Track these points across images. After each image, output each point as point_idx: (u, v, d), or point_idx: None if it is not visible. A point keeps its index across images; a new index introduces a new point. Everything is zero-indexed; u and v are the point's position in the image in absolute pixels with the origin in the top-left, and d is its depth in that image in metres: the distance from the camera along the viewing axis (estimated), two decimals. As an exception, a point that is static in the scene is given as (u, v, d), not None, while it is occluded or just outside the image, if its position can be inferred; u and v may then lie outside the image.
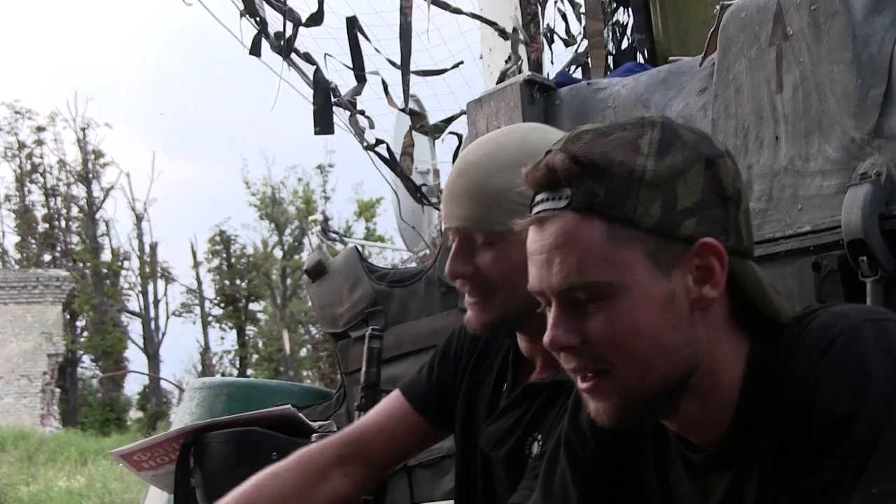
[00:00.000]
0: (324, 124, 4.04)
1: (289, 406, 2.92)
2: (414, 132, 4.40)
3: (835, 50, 2.40)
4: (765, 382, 1.54)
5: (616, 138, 1.54)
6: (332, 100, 4.10)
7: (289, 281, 43.63)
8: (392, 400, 2.42)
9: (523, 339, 2.24)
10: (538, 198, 1.56)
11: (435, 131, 4.35)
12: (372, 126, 4.23)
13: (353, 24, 4.27)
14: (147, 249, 42.77)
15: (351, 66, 4.17)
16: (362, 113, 4.28)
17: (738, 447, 1.57)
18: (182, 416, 3.33)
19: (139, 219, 42.66)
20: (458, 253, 2.14)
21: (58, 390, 35.74)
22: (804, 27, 2.44)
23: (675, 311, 1.53)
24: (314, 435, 2.55)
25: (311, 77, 4.03)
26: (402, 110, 4.19)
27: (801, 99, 2.46)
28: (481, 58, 4.93)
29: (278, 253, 44.28)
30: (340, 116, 4.18)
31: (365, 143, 4.18)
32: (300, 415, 2.89)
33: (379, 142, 4.31)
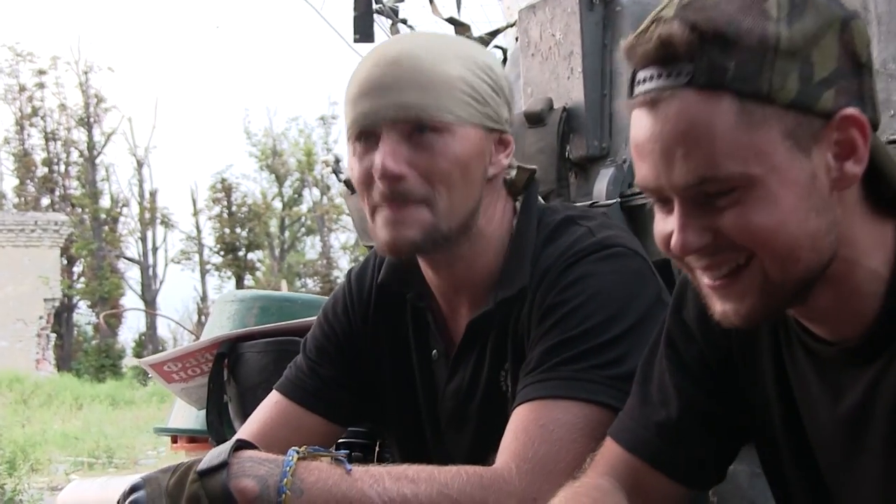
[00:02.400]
0: (364, 31, 3.86)
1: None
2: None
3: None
4: None
5: (739, 2, 1.34)
6: (374, 6, 3.93)
7: (287, 233, 43.67)
8: (277, 404, 2.20)
9: (441, 276, 2.05)
10: (644, 74, 1.36)
11: (479, 44, 4.17)
12: (415, 34, 4.06)
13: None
14: (147, 196, 42.75)
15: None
16: (404, 22, 4.11)
17: (886, 340, 1.41)
18: (212, 330, 3.16)
19: (140, 164, 42.65)
20: (399, 147, 1.89)
21: (53, 335, 35.76)
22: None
23: (818, 193, 1.35)
24: None
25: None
26: (447, 20, 4.01)
27: (894, -2, 2.30)
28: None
29: (277, 204, 44.27)
30: (381, 25, 4.01)
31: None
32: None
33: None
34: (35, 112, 42.68)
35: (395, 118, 1.89)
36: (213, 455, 1.76)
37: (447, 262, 2.01)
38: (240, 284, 42.03)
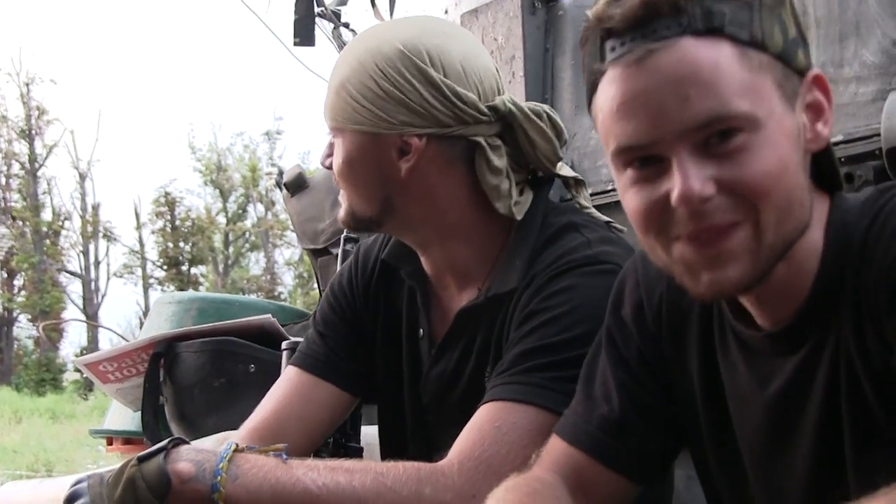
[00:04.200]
0: (304, 35, 3.84)
1: (268, 315, 2.74)
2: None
3: (878, -52, 2.25)
4: (848, 250, 1.38)
5: None
6: (315, 10, 3.92)
7: (231, 248, 43.44)
8: (291, 377, 2.22)
9: (431, 262, 2.11)
10: (624, 38, 1.35)
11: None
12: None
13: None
14: (90, 209, 42.35)
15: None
16: (346, 26, 4.10)
17: (813, 322, 1.42)
18: (149, 330, 3.13)
19: (82, 178, 42.23)
20: (330, 144, 2.11)
21: (-8, 349, 35.36)
22: (846, -78, 2.30)
23: (801, 149, 1.37)
24: (285, 343, 2.37)
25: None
26: (390, 24, 4.02)
27: (836, 1, 2.32)
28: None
29: (222, 219, 44.03)
30: (323, 29, 4.00)
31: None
32: (279, 325, 2.70)
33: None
34: (-25, 124, 42.18)
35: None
36: (153, 448, 1.80)
37: (428, 251, 2.11)
38: (183, 299, 41.69)
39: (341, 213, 2.07)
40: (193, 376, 2.71)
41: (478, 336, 2.04)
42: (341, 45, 3.97)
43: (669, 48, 1.32)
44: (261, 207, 44.17)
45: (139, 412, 2.92)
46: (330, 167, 2.06)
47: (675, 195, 1.33)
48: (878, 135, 2.16)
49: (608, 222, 2.08)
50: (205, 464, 1.75)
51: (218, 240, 43.65)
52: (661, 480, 1.74)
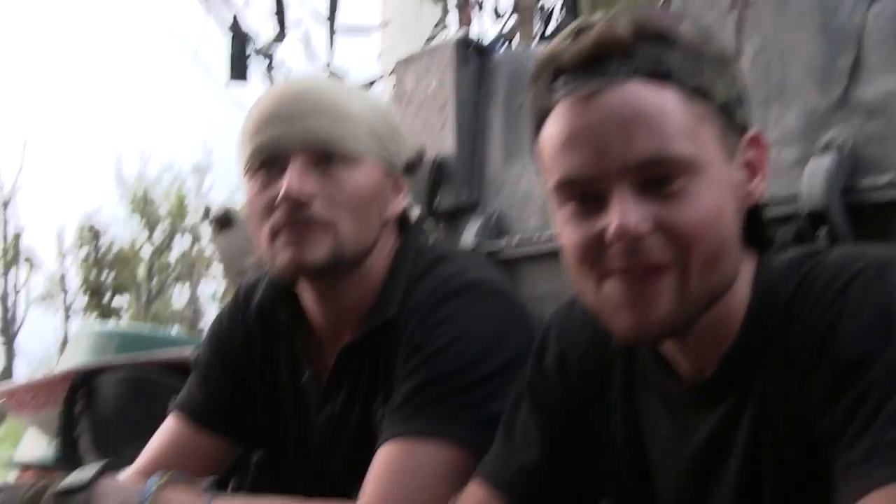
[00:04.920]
0: (239, 71, 3.86)
1: (190, 349, 2.72)
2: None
3: (802, 17, 2.31)
4: (773, 307, 1.41)
5: (668, 18, 1.42)
6: (249, 48, 3.93)
7: (155, 280, 43.00)
8: (172, 426, 2.21)
9: (324, 304, 2.08)
10: (574, 75, 1.39)
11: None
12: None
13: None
14: (10, 236, 41.77)
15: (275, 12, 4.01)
16: (283, 63, 4.13)
17: (736, 375, 1.44)
18: (68, 362, 3.09)
19: (5, 204, 41.64)
20: (306, 172, 1.93)
21: None
22: (767, -6, 2.36)
23: (735, 202, 1.41)
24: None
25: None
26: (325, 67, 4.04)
27: (761, 66, 2.37)
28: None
29: (147, 250, 43.61)
30: (257, 67, 4.02)
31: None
32: (201, 360, 2.68)
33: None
34: None
35: (303, 145, 1.93)
36: (76, 477, 1.73)
37: (333, 291, 2.04)
38: (103, 329, 41.17)
39: (321, 250, 1.93)
40: (112, 409, 2.68)
41: (362, 375, 2.03)
42: (273, 81, 3.99)
43: (618, 88, 1.35)
44: (187, 239, 43.85)
45: (52, 442, 2.89)
46: (307, 198, 1.93)
47: (611, 229, 1.35)
48: (798, 197, 2.21)
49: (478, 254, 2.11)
50: None
51: (142, 270, 43.21)
52: None
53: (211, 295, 43.50)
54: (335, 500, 1.85)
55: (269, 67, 4.05)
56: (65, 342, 41.50)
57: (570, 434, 1.66)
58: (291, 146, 1.94)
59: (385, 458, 1.84)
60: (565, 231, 1.43)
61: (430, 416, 1.85)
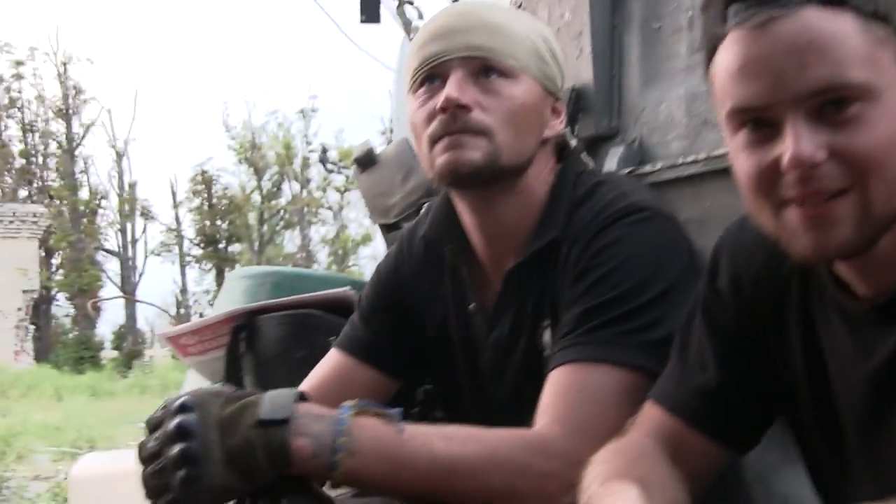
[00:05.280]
0: (370, 12, 3.89)
1: (347, 288, 2.77)
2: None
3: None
4: None
5: None
6: (380, -13, 3.96)
7: (266, 226, 43.52)
8: (332, 359, 2.26)
9: (484, 221, 2.11)
10: (743, 5, 1.38)
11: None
12: (420, 17, 4.07)
13: None
14: (126, 187, 42.54)
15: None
16: (410, 2, 4.13)
17: None
18: (224, 305, 3.15)
19: (119, 156, 42.42)
20: (466, 82, 2.00)
21: (32, 326, 35.58)
22: None
23: None
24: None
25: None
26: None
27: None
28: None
29: (256, 198, 44.12)
30: (387, 7, 4.03)
31: (412, 37, 4.02)
32: (356, 298, 2.72)
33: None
34: (12, 103, 42.43)
35: (464, 57, 2.00)
36: (276, 405, 1.74)
37: (492, 208, 2.07)
38: (220, 277, 41.83)
39: (476, 154, 1.98)
40: (275, 348, 2.74)
41: (527, 297, 2.06)
42: (406, 22, 4.00)
43: (792, 16, 1.34)
44: (296, 185, 44.27)
45: (214, 385, 2.96)
46: (465, 104, 1.98)
47: (786, 158, 1.34)
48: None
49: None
50: (323, 438, 1.72)
51: (253, 218, 43.74)
52: (754, 447, 1.75)
53: (321, 238, 43.98)
54: (511, 427, 1.88)
55: (401, 7, 4.06)
56: (182, 291, 42.32)
57: (745, 355, 1.66)
58: (452, 59, 2.01)
59: (559, 383, 1.87)
60: (739, 159, 1.42)
61: (601, 340, 1.87)
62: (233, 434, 1.70)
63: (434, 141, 2.01)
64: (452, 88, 1.98)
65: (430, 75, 2.03)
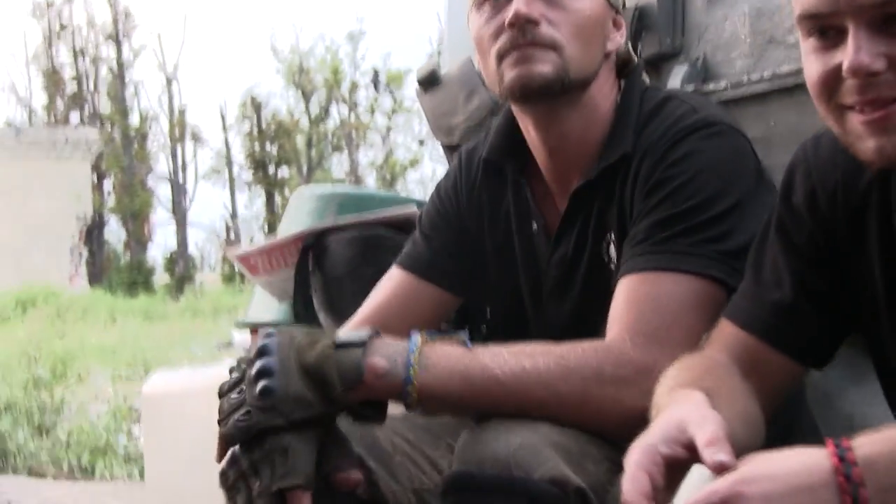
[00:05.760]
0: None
1: (413, 206, 2.80)
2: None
3: None
4: None
5: None
6: None
7: (314, 151, 43.51)
8: (393, 277, 2.30)
9: (550, 137, 2.12)
10: None
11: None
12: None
13: None
14: (176, 113, 42.64)
15: None
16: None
17: None
18: (290, 225, 3.19)
19: (169, 81, 42.48)
20: None
21: (85, 250, 35.91)
22: None
23: None
24: None
25: None
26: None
27: None
28: None
29: (304, 122, 44.09)
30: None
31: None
32: (423, 216, 2.75)
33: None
34: (63, 28, 42.50)
35: None
36: (352, 334, 1.81)
37: (559, 123, 2.08)
38: (270, 201, 42.07)
39: (547, 67, 2.01)
40: (344, 267, 2.77)
41: (593, 213, 2.08)
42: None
43: None
44: (343, 109, 44.20)
45: (282, 303, 3.01)
46: (534, 18, 2.00)
47: (845, 66, 1.38)
48: None
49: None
50: (397, 357, 1.77)
51: (301, 142, 43.74)
52: (827, 363, 1.77)
53: (370, 163, 43.97)
54: (579, 341, 1.90)
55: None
56: (233, 216, 42.54)
57: (821, 271, 1.67)
58: None
59: (632, 289, 1.90)
60: (807, 63, 1.46)
61: (674, 250, 1.90)
62: (309, 354, 1.76)
63: (502, 56, 2.02)
64: (521, 3, 1.98)
65: None
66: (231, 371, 1.82)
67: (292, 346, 1.77)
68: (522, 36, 2.00)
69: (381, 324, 1.97)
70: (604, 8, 2.07)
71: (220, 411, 1.78)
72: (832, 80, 1.42)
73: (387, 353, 1.78)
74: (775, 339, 1.69)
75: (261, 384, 1.72)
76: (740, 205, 1.93)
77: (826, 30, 1.41)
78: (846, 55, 1.38)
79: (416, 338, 1.81)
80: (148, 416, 4.02)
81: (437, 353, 1.80)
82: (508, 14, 1.99)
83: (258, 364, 1.74)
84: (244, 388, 1.75)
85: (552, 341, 1.88)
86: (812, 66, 1.45)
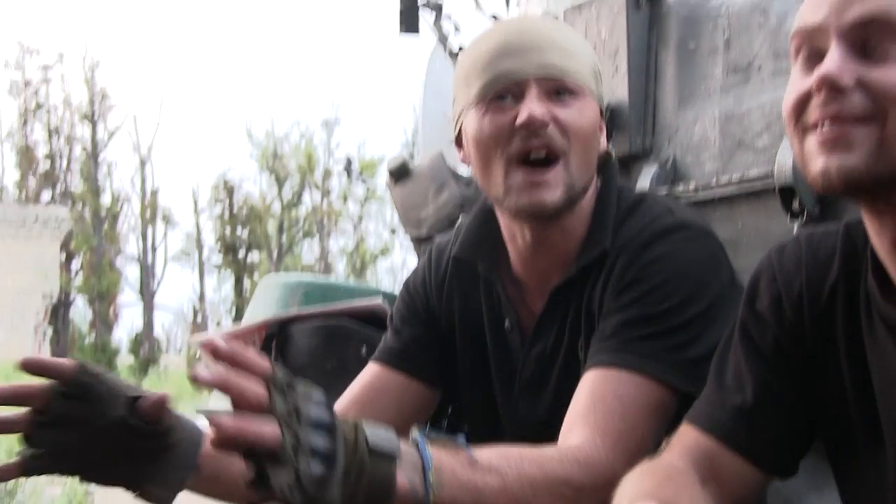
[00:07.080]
0: (410, 24, 3.91)
1: (379, 298, 2.79)
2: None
3: None
4: None
5: None
6: (419, 0, 3.97)
7: (285, 235, 43.61)
8: (366, 373, 2.25)
9: (538, 243, 2.09)
10: None
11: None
12: (458, 30, 4.08)
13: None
14: (149, 193, 42.69)
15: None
16: (448, 17, 4.15)
17: None
18: (256, 313, 3.17)
19: (143, 162, 42.57)
20: (541, 99, 1.99)
21: (49, 329, 35.71)
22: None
23: None
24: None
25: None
26: (491, 17, 4.07)
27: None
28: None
29: (277, 207, 44.24)
30: (425, 19, 4.05)
31: (449, 50, 4.04)
32: (388, 309, 2.74)
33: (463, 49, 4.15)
34: (39, 107, 42.65)
35: (540, 75, 1.99)
36: (381, 435, 1.57)
37: (550, 234, 2.07)
38: (239, 285, 42.03)
39: (556, 194, 1.98)
40: (306, 357, 2.75)
41: (570, 310, 2.07)
42: (442, 35, 4.02)
43: None
44: (316, 195, 44.36)
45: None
46: (547, 122, 1.97)
47: (815, 76, 1.40)
48: None
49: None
50: (415, 476, 1.61)
51: (272, 226, 43.82)
52: (791, 474, 1.74)
53: (340, 249, 44.06)
54: (545, 442, 1.86)
55: (437, 22, 4.08)
56: (201, 298, 42.40)
57: (784, 377, 1.65)
58: (528, 76, 1.99)
59: (597, 385, 1.88)
60: (787, 89, 1.48)
61: (640, 352, 1.89)
62: (354, 451, 1.52)
63: (510, 162, 2.00)
64: (535, 106, 1.96)
65: (504, 89, 2.00)
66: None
67: (349, 428, 1.52)
68: (531, 140, 1.97)
69: (357, 417, 1.87)
70: (597, 113, 2.07)
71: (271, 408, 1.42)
72: (804, 100, 1.43)
73: (405, 468, 1.60)
74: (735, 442, 1.67)
75: (318, 471, 1.42)
76: (710, 311, 1.92)
77: (812, 55, 1.44)
78: (820, 70, 1.40)
79: (429, 451, 1.69)
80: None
81: (446, 469, 1.66)
82: (517, 115, 1.97)
83: (322, 437, 1.44)
84: (297, 429, 1.40)
85: (525, 436, 1.88)
86: (791, 89, 1.46)
